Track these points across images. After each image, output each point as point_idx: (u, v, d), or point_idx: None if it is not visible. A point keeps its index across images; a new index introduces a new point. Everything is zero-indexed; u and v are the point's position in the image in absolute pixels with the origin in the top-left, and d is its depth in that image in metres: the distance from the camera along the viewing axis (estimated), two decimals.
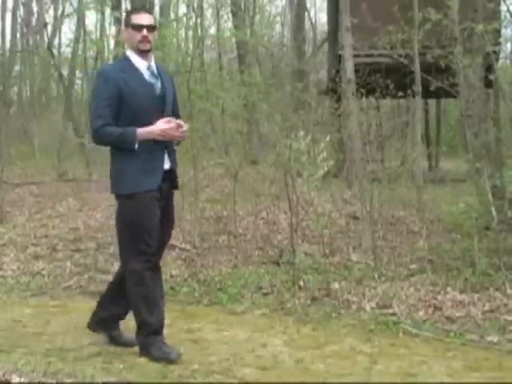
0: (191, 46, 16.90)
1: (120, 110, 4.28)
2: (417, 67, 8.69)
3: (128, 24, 4.38)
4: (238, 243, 7.99)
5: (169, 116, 4.39)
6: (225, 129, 12.72)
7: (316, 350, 4.76)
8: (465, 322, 5.32)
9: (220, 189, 11.05)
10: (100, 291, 5.35)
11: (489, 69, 9.09)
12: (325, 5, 18.20)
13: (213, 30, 21.65)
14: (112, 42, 17.72)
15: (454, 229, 8.05)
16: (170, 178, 4.53)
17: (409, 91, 9.61)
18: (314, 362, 4.48)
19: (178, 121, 4.38)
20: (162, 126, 4.27)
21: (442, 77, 8.86)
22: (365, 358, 4.51)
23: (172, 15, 19.71)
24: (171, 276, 6.83)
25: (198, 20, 16.75)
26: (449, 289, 6.05)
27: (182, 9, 22.93)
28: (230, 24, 19.16)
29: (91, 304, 5.00)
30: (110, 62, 11.02)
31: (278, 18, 25.47)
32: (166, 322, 4.64)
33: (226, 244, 8.18)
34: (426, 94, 11.89)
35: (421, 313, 5.57)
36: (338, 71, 12.85)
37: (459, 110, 9.04)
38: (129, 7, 15.47)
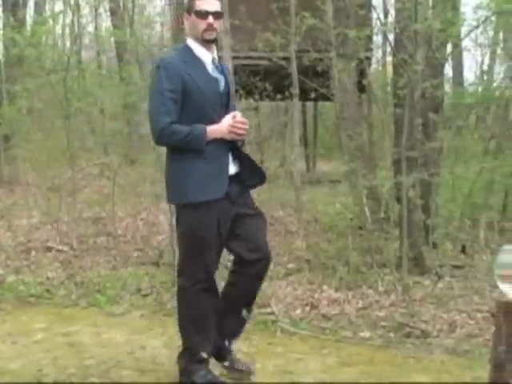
0: (68, 43, 16.52)
1: (183, 107, 3.76)
2: (294, 70, 8.84)
3: (191, 10, 3.83)
4: (117, 244, 7.89)
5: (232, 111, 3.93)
6: (104, 129, 12.53)
7: None
8: (339, 319, 5.49)
9: (99, 189, 10.87)
10: None
11: (362, 74, 9.42)
12: None
13: (91, 28, 21.23)
14: None
15: (330, 229, 8.28)
16: (239, 181, 3.94)
17: (287, 93, 9.81)
18: None
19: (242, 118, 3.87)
20: (230, 121, 3.77)
21: (319, 80, 9.09)
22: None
23: (48, 12, 19.16)
24: (47, 278, 6.68)
25: (75, 17, 16.36)
26: (325, 287, 6.22)
27: (59, 5, 22.32)
28: (108, 23, 18.87)
29: None
30: None
31: (158, 18, 25.26)
32: (41, 325, 4.54)
33: (105, 245, 8.06)
34: (304, 96, 12.15)
35: (298, 311, 5.70)
36: None
37: (335, 112, 9.29)
38: None
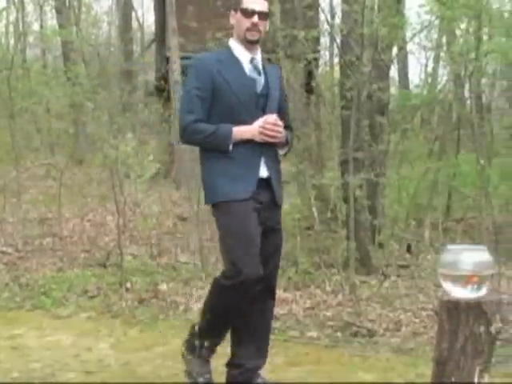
0: (12, 42, 16.22)
1: (212, 106, 3.61)
2: None
3: (237, 8, 3.66)
4: (64, 246, 7.79)
5: (282, 112, 3.74)
6: (50, 128, 12.36)
7: (143, 352, 4.73)
8: (287, 319, 5.51)
9: (45, 190, 10.69)
10: None
11: (310, 75, 9.48)
12: (153, 5, 18.08)
13: (36, 27, 20.87)
14: None
15: None
16: (271, 188, 3.70)
17: None
18: (140, 364, 4.45)
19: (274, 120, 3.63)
20: (260, 123, 3.57)
21: None
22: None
23: None
24: None
25: (20, 15, 16.05)
26: None
27: (2, 3, 21.91)
28: (54, 21, 18.57)
29: None
30: None
31: (105, 17, 24.97)
32: None
33: (51, 247, 7.94)
34: None
35: None
36: (166, 72, 12.86)
37: None
38: None
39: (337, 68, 9.74)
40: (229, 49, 3.73)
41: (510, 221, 7.13)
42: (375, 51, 7.11)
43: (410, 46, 10.53)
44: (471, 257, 2.54)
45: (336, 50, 9.58)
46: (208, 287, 6.20)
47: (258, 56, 3.72)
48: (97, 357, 4.58)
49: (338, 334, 5.16)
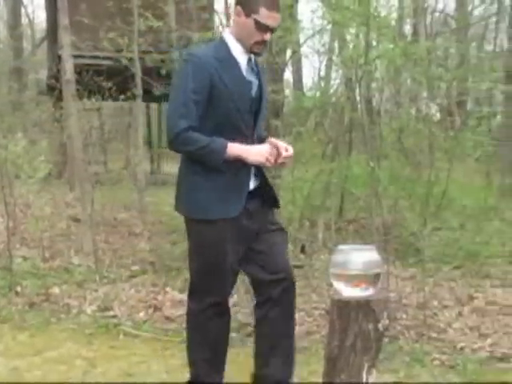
0: None
1: (206, 108, 3.30)
2: (138, 70, 8.79)
3: (250, 13, 3.29)
4: None
5: (261, 119, 3.51)
6: None
7: (33, 357, 4.62)
8: (183, 321, 5.48)
9: None
10: None
11: None
12: (43, 1, 17.63)
13: None
14: None
15: (174, 230, 8.29)
16: (260, 194, 3.52)
17: (130, 94, 9.72)
18: (30, 369, 4.35)
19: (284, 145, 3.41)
20: (269, 149, 3.32)
21: (163, 81, 9.07)
22: (84, 362, 4.48)
23: None
24: None
25: None
26: (168, 289, 6.23)
27: None
28: None
29: None
30: None
31: None
32: None
33: None
34: (148, 97, 12.08)
35: (141, 314, 5.66)
36: (58, 71, 12.57)
37: None
38: None
39: None
40: (225, 45, 3.40)
41: (399, 220, 7.37)
42: (269, 54, 7.21)
43: (304, 50, 10.72)
44: (360, 256, 2.62)
45: None
46: (102, 289, 6.18)
47: (252, 56, 3.47)
48: None
49: (234, 334, 5.19)
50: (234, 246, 3.39)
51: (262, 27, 3.29)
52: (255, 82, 3.44)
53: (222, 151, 3.26)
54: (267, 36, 3.33)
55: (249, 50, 3.38)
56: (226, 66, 3.33)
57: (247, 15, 3.31)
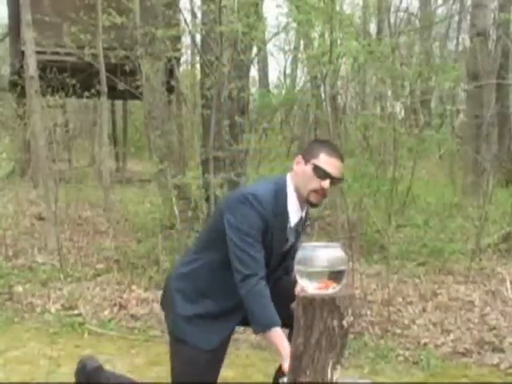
0: None
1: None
2: (102, 67, 8.72)
3: (310, 159, 3.11)
4: None
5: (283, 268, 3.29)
6: None
7: None
8: (148, 319, 5.49)
9: None
10: None
11: (171, 73, 9.48)
12: None
13: None
14: None
15: (139, 228, 8.25)
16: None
17: (95, 91, 9.65)
18: None
19: None
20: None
21: (128, 79, 9.03)
22: (48, 362, 4.44)
23: None
24: None
25: None
26: (134, 287, 6.20)
27: None
28: None
29: None
30: None
31: None
32: None
33: None
34: (113, 94, 12.00)
35: (106, 312, 5.63)
36: (21, 67, 12.42)
37: (143, 112, 9.29)
38: None
39: (198, 67, 9.78)
40: (285, 195, 3.17)
41: (364, 218, 7.43)
42: (235, 51, 7.21)
43: (270, 48, 10.76)
44: (325, 253, 2.62)
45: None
46: (67, 288, 6.13)
47: (304, 210, 3.26)
48: None
49: None
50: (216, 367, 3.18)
51: (320, 172, 3.09)
52: (292, 240, 3.24)
53: (266, 328, 2.96)
54: (326, 183, 3.09)
55: (305, 200, 3.16)
56: (277, 225, 3.12)
57: (306, 162, 3.13)
